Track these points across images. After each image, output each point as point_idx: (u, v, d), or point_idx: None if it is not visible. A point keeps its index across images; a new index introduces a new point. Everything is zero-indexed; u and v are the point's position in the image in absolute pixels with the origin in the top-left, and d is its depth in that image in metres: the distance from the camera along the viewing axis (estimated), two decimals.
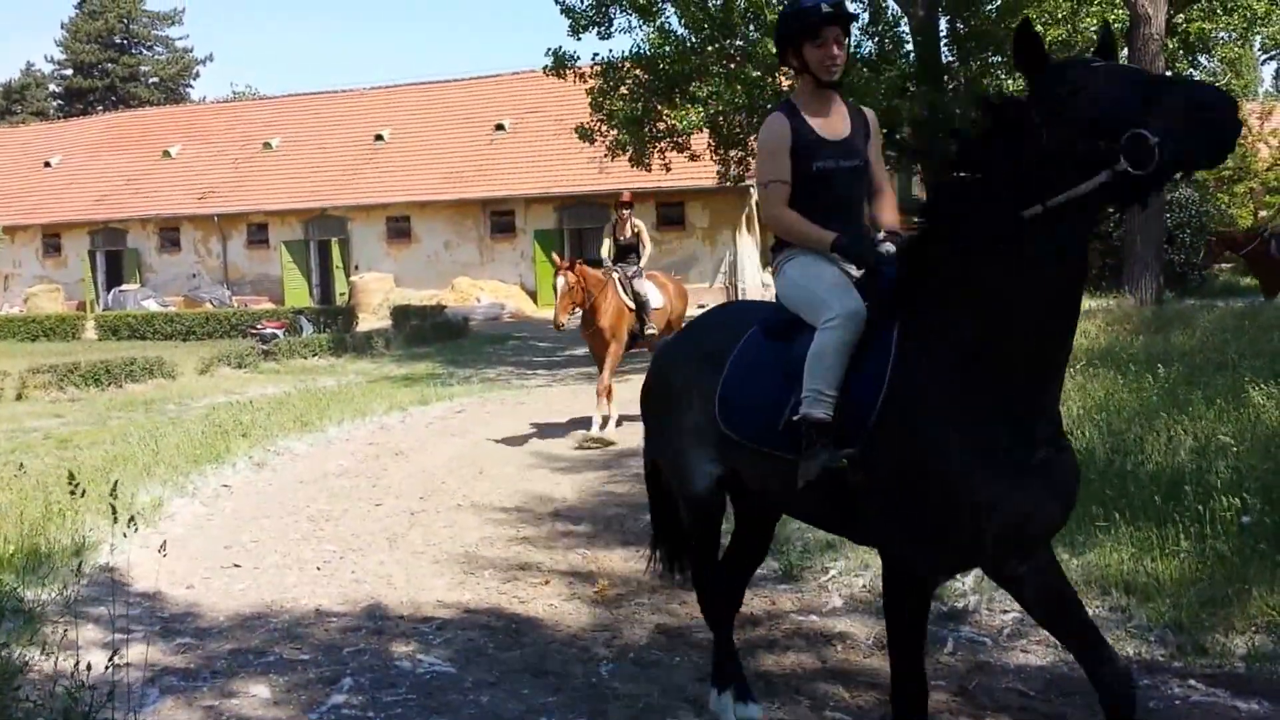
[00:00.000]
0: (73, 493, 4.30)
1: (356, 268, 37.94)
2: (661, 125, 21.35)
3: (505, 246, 36.52)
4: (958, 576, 5.58)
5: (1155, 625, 4.88)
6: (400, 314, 27.86)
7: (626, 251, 11.96)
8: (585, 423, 11.33)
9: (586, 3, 21.12)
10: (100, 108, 62.78)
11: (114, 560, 6.50)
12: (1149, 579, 5.21)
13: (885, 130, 21.61)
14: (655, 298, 11.80)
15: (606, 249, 12.07)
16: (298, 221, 39.47)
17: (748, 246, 33.39)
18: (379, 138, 40.34)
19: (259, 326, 25.34)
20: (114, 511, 4.30)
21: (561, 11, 21.25)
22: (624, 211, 12.10)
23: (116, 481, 5.27)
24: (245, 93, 66.92)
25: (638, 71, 21.34)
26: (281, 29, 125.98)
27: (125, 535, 4.06)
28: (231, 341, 25.20)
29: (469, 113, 39.62)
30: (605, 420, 11.10)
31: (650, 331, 11.47)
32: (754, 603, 5.73)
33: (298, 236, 39.34)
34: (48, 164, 46.71)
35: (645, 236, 12.12)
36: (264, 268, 39.78)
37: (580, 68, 21.76)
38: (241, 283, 39.93)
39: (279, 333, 23.92)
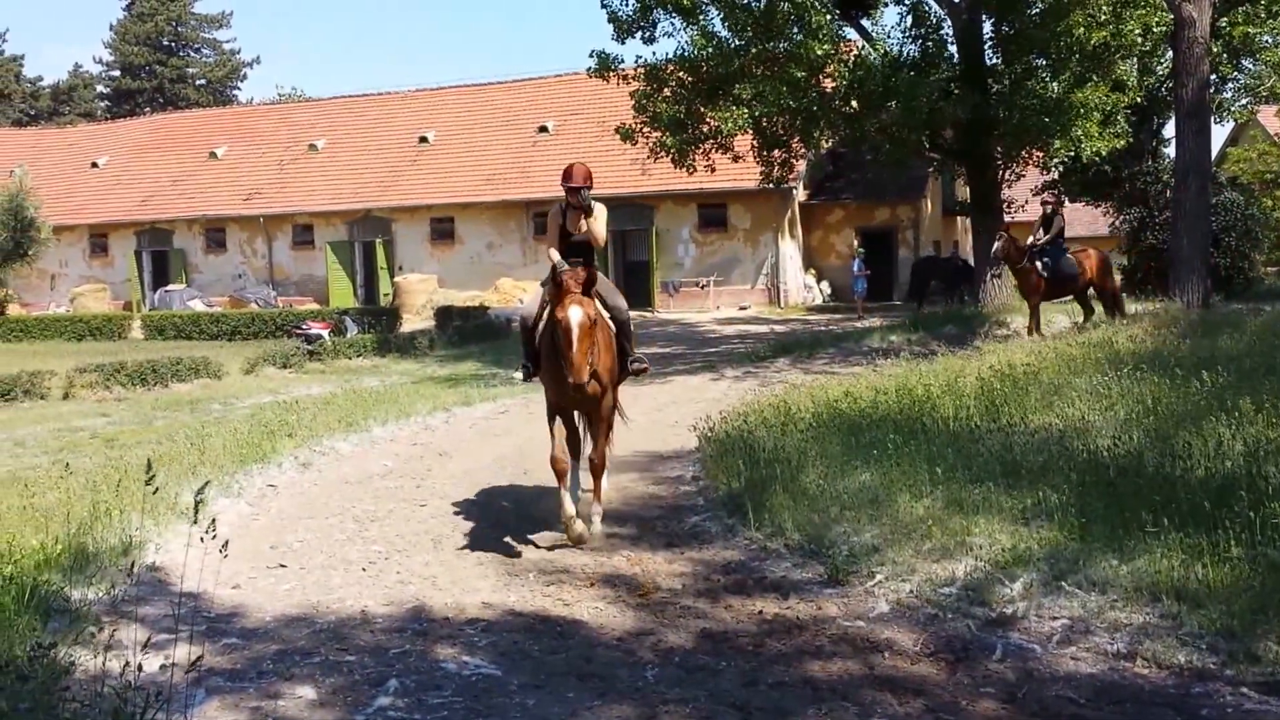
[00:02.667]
0: (149, 482, 4.34)
1: (400, 268, 38.22)
2: (705, 127, 21.34)
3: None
4: (1005, 583, 5.53)
5: (1206, 632, 4.80)
6: (443, 315, 28.04)
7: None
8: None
9: (631, 6, 21.16)
10: (148, 109, 63.67)
11: (160, 560, 6.58)
12: (1199, 585, 5.12)
13: (928, 132, 21.56)
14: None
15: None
16: (342, 222, 39.82)
17: (789, 248, 33.27)
18: (423, 139, 40.61)
19: (304, 327, 25.57)
20: (195, 510, 4.36)
21: (608, 19, 21.32)
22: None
23: (205, 485, 5.30)
24: (291, 95, 67.64)
25: (681, 74, 21.36)
26: (327, 32, 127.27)
27: (204, 536, 4.09)
28: (276, 342, 25.44)
29: (512, 115, 39.80)
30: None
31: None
32: (799, 607, 5.71)
33: (342, 237, 39.69)
34: (95, 165, 47.41)
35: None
36: (309, 268, 40.17)
37: (624, 70, 21.80)
38: (286, 283, 40.34)
39: (324, 333, 24.13)
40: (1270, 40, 23.74)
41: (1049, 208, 17.58)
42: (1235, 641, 4.68)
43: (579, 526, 7.08)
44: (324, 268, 39.50)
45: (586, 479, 7.80)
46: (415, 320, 31.48)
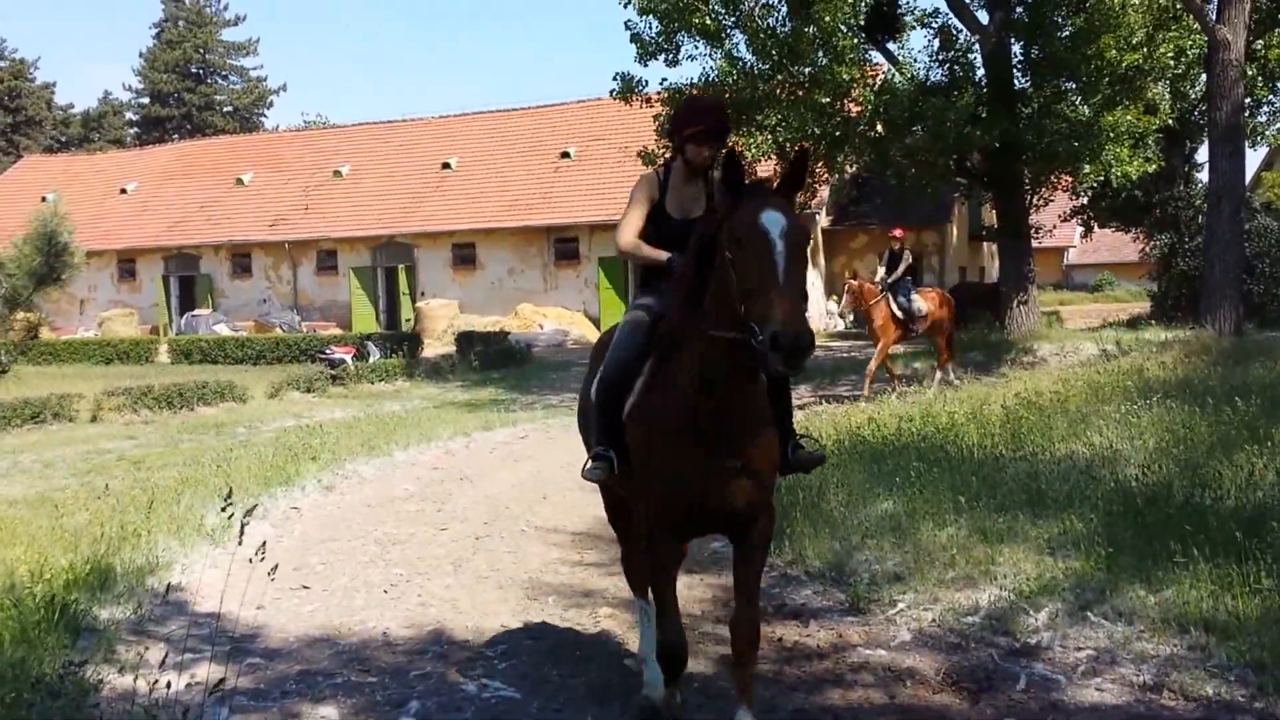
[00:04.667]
0: (225, 507, 4.47)
1: (422, 294, 38.44)
2: None
3: (569, 273, 36.79)
4: (1029, 612, 5.47)
5: (1236, 664, 4.73)
6: (464, 340, 28.14)
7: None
8: None
9: (655, 30, 21.21)
10: (176, 136, 64.44)
11: (185, 580, 6.61)
12: (1229, 617, 5.05)
13: (955, 157, 21.49)
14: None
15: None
16: (365, 248, 40.12)
17: (812, 274, 33.24)
18: (446, 165, 40.92)
19: (328, 351, 25.72)
20: (242, 531, 4.43)
21: (631, 39, 21.38)
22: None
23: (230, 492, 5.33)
24: (316, 121, 68.37)
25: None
26: (353, 60, 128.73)
27: (253, 559, 4.12)
28: (300, 366, 25.59)
29: (535, 141, 40.08)
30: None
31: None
32: (820, 635, 5.66)
33: (365, 263, 39.98)
34: (123, 191, 48.03)
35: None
36: (333, 293, 40.47)
37: (647, 94, 21.87)
38: (310, 308, 40.63)
39: (347, 358, 24.25)
40: None
41: (897, 244, 16.89)
42: (1265, 674, 4.60)
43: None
44: (347, 293, 39.80)
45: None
46: (437, 345, 31.61)
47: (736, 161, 3.84)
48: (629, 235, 4.66)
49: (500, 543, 8.02)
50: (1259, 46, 22.55)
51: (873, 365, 16.32)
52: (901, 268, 16.52)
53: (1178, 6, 20.09)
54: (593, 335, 33.77)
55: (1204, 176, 22.48)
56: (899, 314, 16.24)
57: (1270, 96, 25.77)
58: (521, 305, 35.87)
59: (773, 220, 3.65)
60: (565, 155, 38.75)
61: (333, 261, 40.77)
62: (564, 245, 37.03)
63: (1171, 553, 5.61)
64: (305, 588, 6.90)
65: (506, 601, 6.52)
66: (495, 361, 25.07)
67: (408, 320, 37.61)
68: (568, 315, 35.27)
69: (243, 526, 4.39)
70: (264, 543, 4.41)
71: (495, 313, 35.72)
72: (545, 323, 34.31)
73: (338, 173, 43.19)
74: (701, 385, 3.94)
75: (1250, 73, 21.52)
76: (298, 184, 43.66)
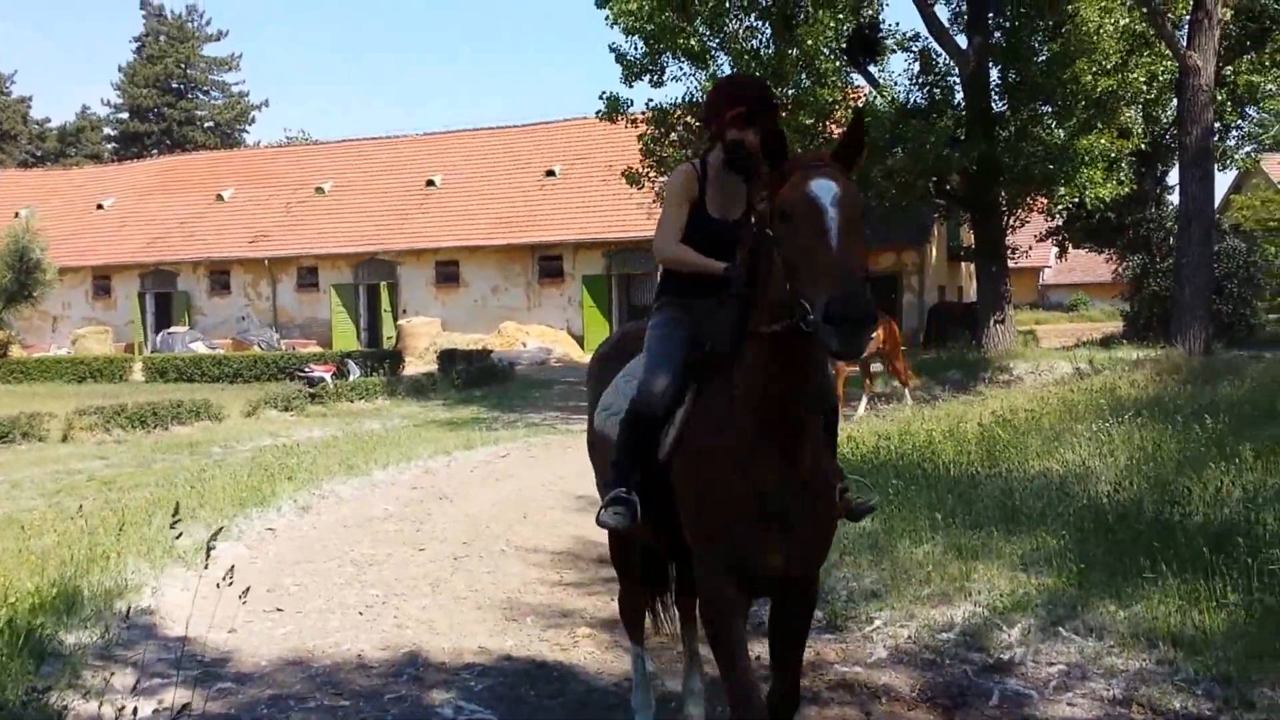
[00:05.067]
0: (174, 524, 4.36)
1: (405, 311, 38.38)
2: None
3: (553, 291, 36.83)
4: (1003, 628, 5.51)
5: (1202, 678, 4.80)
6: (447, 358, 28.10)
7: None
8: None
9: (640, 51, 21.39)
10: (155, 151, 64.11)
11: (156, 603, 6.55)
12: (1196, 631, 5.13)
13: (935, 179, 21.67)
14: None
15: None
16: (347, 265, 40.05)
17: None
18: (430, 183, 40.95)
19: (306, 369, 25.62)
20: (208, 553, 4.37)
21: (616, 60, 21.54)
22: None
23: (216, 530, 5.29)
24: (299, 138, 68.25)
25: (689, 118, 21.56)
26: (337, 76, 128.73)
27: (220, 584, 4.09)
28: (279, 384, 25.47)
29: (520, 159, 40.19)
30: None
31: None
32: None
33: (347, 280, 39.91)
34: (100, 206, 47.77)
35: None
36: (313, 311, 40.34)
37: (632, 114, 22.03)
38: (290, 326, 40.48)
39: (326, 376, 24.16)
40: (1274, 89, 23.97)
41: None
42: (1231, 687, 4.67)
43: None
44: (328, 310, 39.70)
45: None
46: (418, 363, 31.55)
47: (780, 133, 3.34)
48: (671, 242, 4.00)
49: (479, 563, 8.00)
50: (1228, 72, 22.90)
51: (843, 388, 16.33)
52: None
53: (1150, 33, 20.37)
54: (576, 353, 33.79)
55: (1175, 199, 22.75)
56: None
57: (1239, 121, 26.15)
58: (505, 323, 35.86)
59: (824, 187, 3.16)
60: (550, 174, 38.86)
61: (314, 278, 40.67)
62: (548, 263, 37.09)
63: (1141, 568, 5.69)
64: (279, 610, 6.86)
65: (484, 622, 6.50)
66: (478, 380, 25.04)
67: (389, 338, 37.53)
68: (551, 333, 35.29)
69: (209, 549, 4.36)
70: (232, 566, 4.39)
71: (478, 331, 35.71)
72: (529, 341, 34.30)
73: (320, 189, 43.14)
74: (762, 405, 3.41)
75: (1220, 97, 21.82)
76: (279, 200, 43.58)
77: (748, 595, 3.61)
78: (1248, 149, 27.74)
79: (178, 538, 4.55)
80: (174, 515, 4.35)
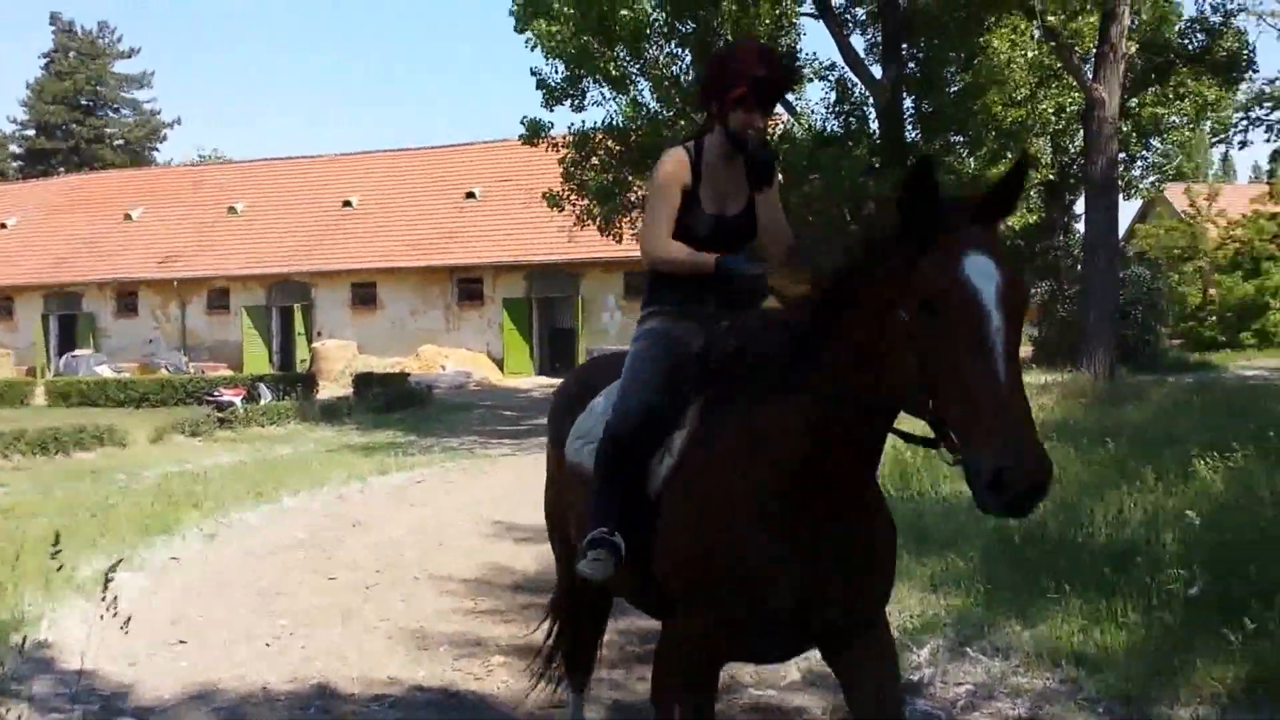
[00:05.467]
0: (54, 554, 4.19)
1: (319, 334, 37.79)
2: (632, 195, 21.65)
3: (472, 314, 36.60)
4: (913, 649, 5.58)
5: (1104, 697, 4.89)
6: (362, 381, 27.70)
7: None
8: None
9: (561, 74, 21.47)
10: (63, 169, 62.36)
11: (54, 637, 6.34)
12: (1098, 650, 5.24)
13: (851, 205, 22.06)
14: None
15: None
16: (260, 287, 39.34)
17: None
18: (347, 204, 40.47)
19: (216, 394, 25.04)
20: (106, 584, 4.23)
21: (537, 85, 21.62)
22: None
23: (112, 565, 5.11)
24: (211, 157, 66.94)
25: (610, 142, 21.67)
26: (251, 95, 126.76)
27: (104, 615, 3.95)
28: (187, 409, 24.89)
29: (440, 180, 39.94)
30: None
31: None
32: None
33: (259, 302, 39.19)
34: (3, 225, 46.30)
35: None
36: (224, 333, 39.52)
37: (553, 137, 22.09)
38: (200, 348, 39.60)
39: (236, 400, 23.63)
40: (1178, 120, 24.83)
41: None
42: (1131, 706, 4.77)
43: None
44: (239, 333, 38.92)
45: None
46: (333, 387, 31.06)
47: (932, 176, 2.50)
48: (661, 241, 3.38)
49: (392, 591, 7.87)
50: (1133, 104, 23.71)
51: None
52: None
53: (1058, 66, 21.02)
54: (496, 377, 33.58)
55: (1082, 227, 23.47)
56: None
57: (1144, 151, 27.08)
58: (423, 346, 35.50)
59: (984, 274, 2.40)
60: (471, 195, 38.69)
61: (224, 300, 39.86)
62: (468, 286, 36.86)
63: (1045, 588, 5.81)
64: (182, 642, 6.66)
65: (395, 652, 6.39)
66: (394, 403, 24.72)
67: (303, 361, 36.91)
68: (471, 357, 35.02)
69: (107, 580, 4.23)
70: (114, 597, 4.25)
71: (396, 354, 35.28)
72: (448, 364, 33.99)
73: (233, 209, 42.36)
74: (806, 465, 2.81)
75: (1125, 129, 22.59)
76: (190, 220, 42.67)
77: (772, 658, 3.19)
78: (1152, 179, 28.66)
79: (59, 569, 4.38)
80: (54, 545, 4.20)
